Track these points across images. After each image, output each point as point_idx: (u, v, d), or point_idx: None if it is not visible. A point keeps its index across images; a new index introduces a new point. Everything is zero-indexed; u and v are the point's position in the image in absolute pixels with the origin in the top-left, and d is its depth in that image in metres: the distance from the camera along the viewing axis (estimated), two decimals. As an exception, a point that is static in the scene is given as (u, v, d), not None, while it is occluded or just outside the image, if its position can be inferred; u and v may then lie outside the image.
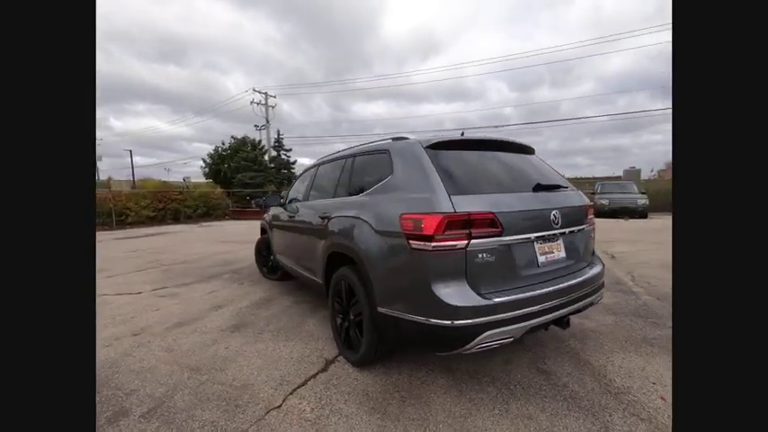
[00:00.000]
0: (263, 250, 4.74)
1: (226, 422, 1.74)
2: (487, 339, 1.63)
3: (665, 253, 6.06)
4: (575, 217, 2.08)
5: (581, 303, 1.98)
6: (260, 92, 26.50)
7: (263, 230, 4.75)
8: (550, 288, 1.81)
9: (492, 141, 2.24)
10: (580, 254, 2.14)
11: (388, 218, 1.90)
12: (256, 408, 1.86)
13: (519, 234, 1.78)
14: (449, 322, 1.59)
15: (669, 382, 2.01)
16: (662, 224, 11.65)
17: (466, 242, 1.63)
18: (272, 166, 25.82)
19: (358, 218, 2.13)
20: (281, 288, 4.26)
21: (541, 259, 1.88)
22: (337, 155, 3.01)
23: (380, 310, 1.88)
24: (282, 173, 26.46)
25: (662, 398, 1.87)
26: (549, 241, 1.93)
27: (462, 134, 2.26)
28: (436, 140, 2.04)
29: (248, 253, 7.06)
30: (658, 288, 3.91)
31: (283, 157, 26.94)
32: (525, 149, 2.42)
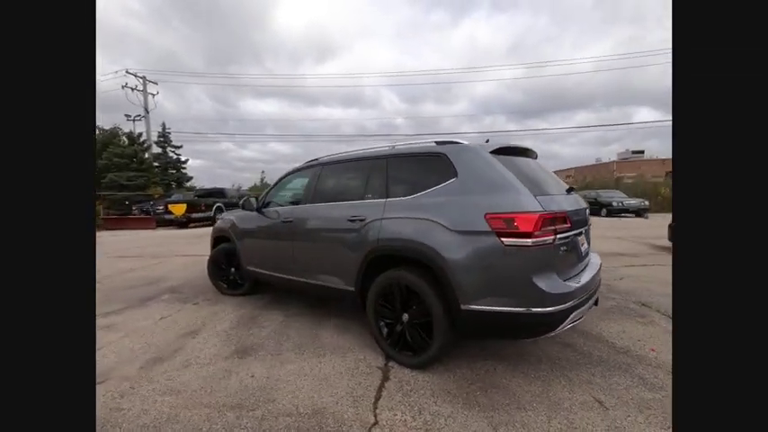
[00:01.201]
0: (223, 263, 4.08)
1: (333, 453, 1.54)
2: (572, 320, 1.89)
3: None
4: (589, 214, 2.56)
5: (600, 283, 2.45)
6: (136, 75, 22.05)
7: (223, 239, 4.09)
8: (594, 272, 2.20)
9: (520, 149, 2.55)
10: (590, 244, 2.64)
11: (466, 218, 1.98)
12: (352, 430, 1.69)
13: (576, 229, 2.11)
14: (549, 309, 1.79)
15: (648, 339, 2.66)
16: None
17: (554, 237, 1.86)
18: (157, 164, 21.76)
19: (424, 219, 2.13)
20: (254, 303, 3.76)
21: (581, 250, 2.26)
22: (355, 156, 2.88)
23: (465, 307, 1.94)
24: (170, 173, 22.58)
25: (651, 349, 2.47)
26: (582, 235, 2.34)
27: (487, 141, 2.50)
28: (495, 146, 2.22)
29: (172, 268, 5.92)
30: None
31: (171, 154, 23.02)
32: (535, 155, 2.82)
